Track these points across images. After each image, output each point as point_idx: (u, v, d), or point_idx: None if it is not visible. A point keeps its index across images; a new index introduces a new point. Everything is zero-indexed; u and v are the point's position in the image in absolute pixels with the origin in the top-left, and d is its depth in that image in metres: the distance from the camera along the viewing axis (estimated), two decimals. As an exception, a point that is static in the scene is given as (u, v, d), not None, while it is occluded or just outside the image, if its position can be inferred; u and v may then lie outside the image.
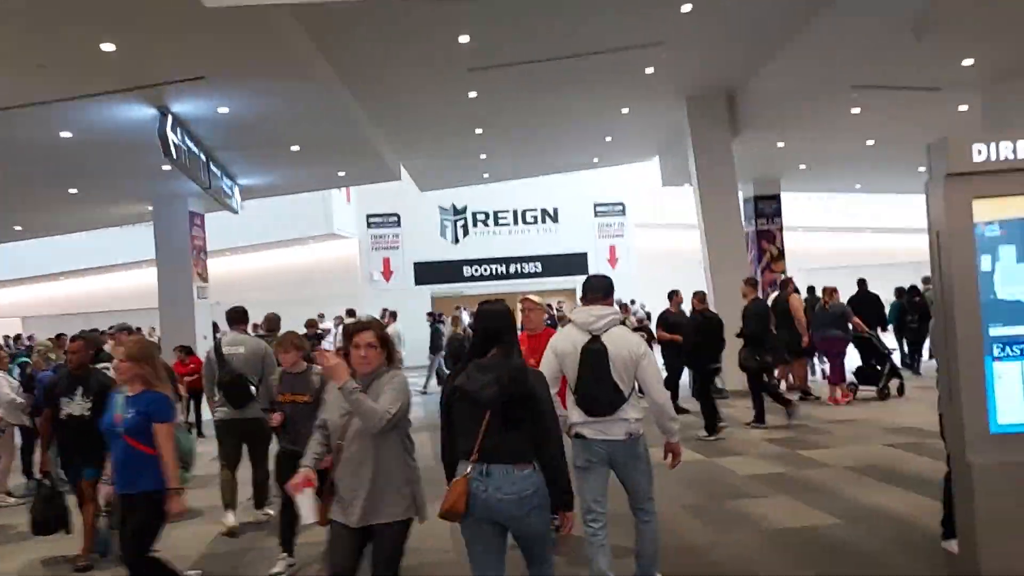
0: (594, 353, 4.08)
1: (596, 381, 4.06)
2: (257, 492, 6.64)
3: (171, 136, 9.13)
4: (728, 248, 13.26)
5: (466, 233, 25.32)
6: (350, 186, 17.28)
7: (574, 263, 25.34)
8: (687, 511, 6.44)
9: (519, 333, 4.13)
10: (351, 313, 14.95)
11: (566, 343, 4.19)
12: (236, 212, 13.27)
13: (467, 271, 25.03)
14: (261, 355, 6.42)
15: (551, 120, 13.55)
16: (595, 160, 18.09)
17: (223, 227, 21.61)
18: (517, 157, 16.60)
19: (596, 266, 25.43)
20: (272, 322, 7.95)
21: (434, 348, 15.49)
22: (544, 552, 3.36)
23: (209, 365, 6.54)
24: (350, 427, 3.43)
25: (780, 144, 14.18)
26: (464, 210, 25.24)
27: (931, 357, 14.64)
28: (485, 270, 25.09)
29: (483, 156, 15.76)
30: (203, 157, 10.60)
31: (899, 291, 15.14)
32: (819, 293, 12.19)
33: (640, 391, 4.23)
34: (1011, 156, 4.07)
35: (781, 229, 17.70)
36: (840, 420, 10.17)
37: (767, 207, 17.55)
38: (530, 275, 24.80)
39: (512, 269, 25.12)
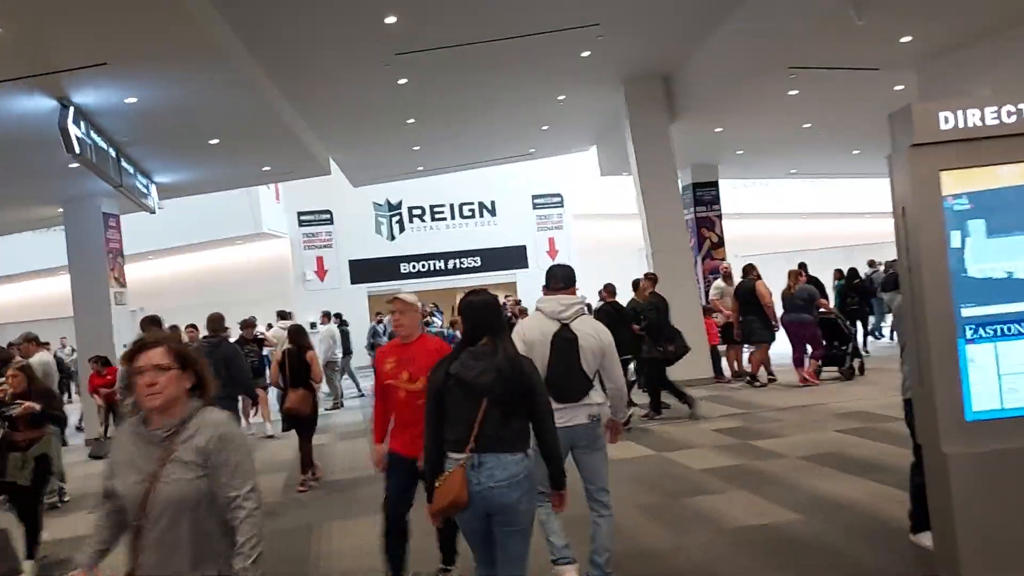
0: (565, 341, 4.15)
1: (567, 369, 4.13)
2: None
3: (73, 129, 8.34)
4: (670, 236, 13.03)
5: (402, 229, 24.72)
6: (278, 182, 16.53)
7: (513, 256, 25.02)
8: (642, 512, 6.10)
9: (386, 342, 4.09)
10: (284, 315, 14.24)
11: (535, 332, 4.21)
12: (153, 212, 12.44)
13: (404, 268, 24.46)
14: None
15: (486, 108, 13.11)
16: (532, 150, 17.72)
17: (143, 229, 20.54)
18: (452, 148, 16.10)
19: (535, 259, 25.17)
20: (216, 322, 7.55)
21: (346, 351, 14.97)
22: (521, 551, 3.29)
23: (124, 376, 6.28)
24: (154, 497, 2.42)
25: (718, 129, 14.03)
26: (399, 205, 24.64)
27: (880, 337, 14.70)
28: (423, 266, 24.56)
29: (416, 147, 15.22)
30: (112, 152, 9.80)
31: (838, 273, 15.21)
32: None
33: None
34: (979, 123, 3.80)
35: (720, 216, 17.64)
36: (789, 407, 10.02)
37: (706, 194, 17.45)
38: (469, 270, 24.38)
39: (451, 264, 24.65)
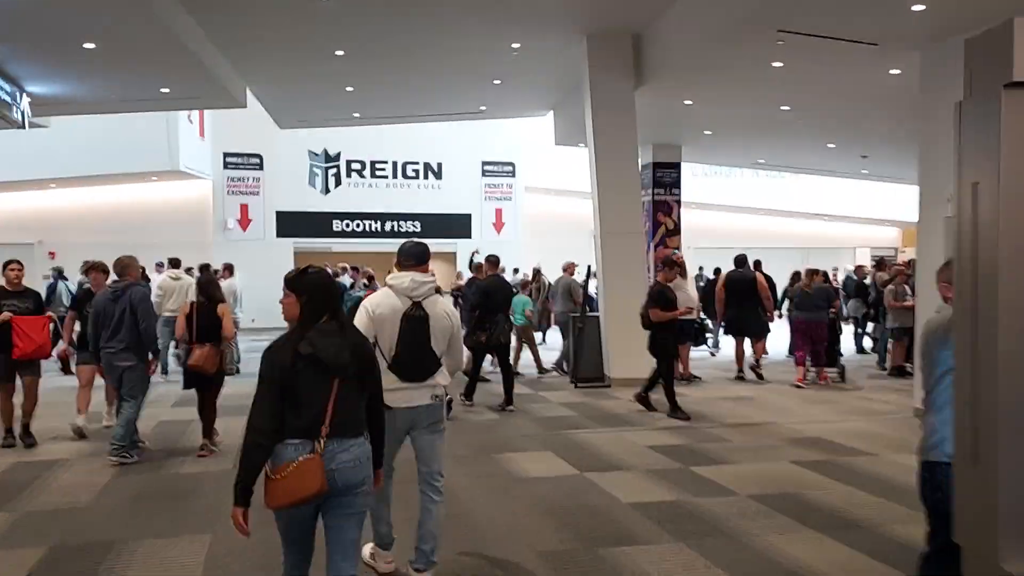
0: (416, 319, 4.09)
1: (417, 348, 4.07)
2: None
3: None
4: (623, 216, 11.57)
5: (338, 183, 22.84)
6: (184, 109, 14.56)
7: (457, 225, 23.40)
8: (545, 562, 4.63)
9: None
10: (175, 264, 12.42)
11: (384, 308, 4.10)
12: (22, 126, 10.49)
13: (337, 225, 22.66)
14: None
15: (428, 47, 11.39)
16: (482, 108, 16.05)
17: (44, 151, 18.45)
18: (391, 94, 14.35)
19: (480, 229, 23.61)
20: (125, 266, 7.17)
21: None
22: (357, 536, 3.17)
23: None
24: None
25: (687, 101, 12.55)
26: (337, 157, 22.74)
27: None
28: (358, 226, 22.77)
29: (349, 88, 13.43)
30: (-53, 41, 7.88)
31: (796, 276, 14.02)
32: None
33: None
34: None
35: (679, 201, 16.27)
36: (738, 423, 8.69)
37: (666, 175, 16.05)
38: (407, 235, 22.58)
39: (388, 227, 22.92)
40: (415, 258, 4.25)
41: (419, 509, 4.23)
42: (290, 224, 22.32)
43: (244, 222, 22.12)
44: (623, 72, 11.42)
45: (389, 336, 4.05)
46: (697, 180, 22.82)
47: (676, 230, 16.20)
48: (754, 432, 8.30)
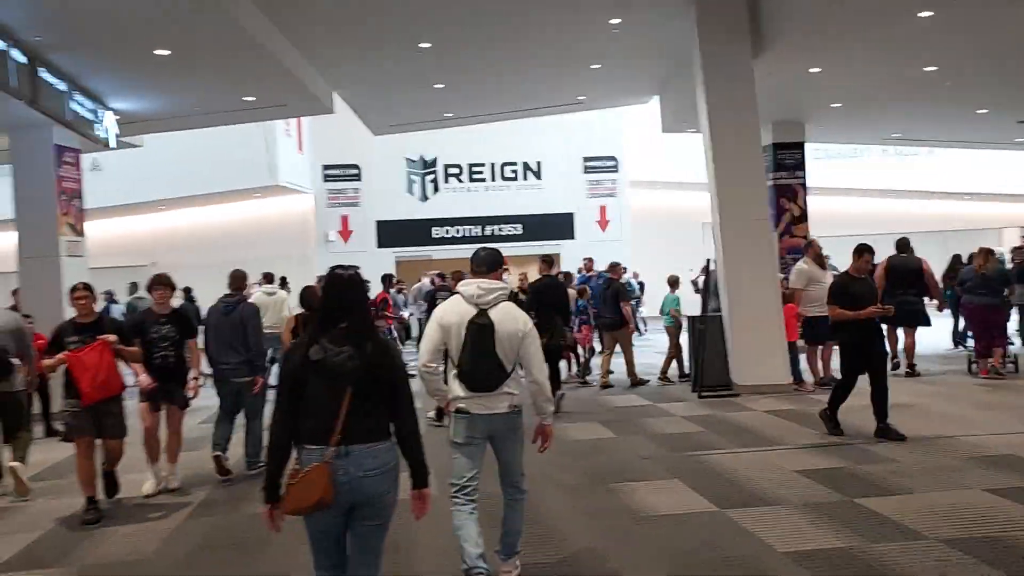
0: (480, 328, 4.00)
1: (481, 356, 4.00)
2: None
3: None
4: (745, 204, 10.26)
5: (436, 189, 22.31)
6: (271, 119, 14.20)
7: (559, 225, 22.44)
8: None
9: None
10: (269, 279, 11.99)
11: (452, 315, 4.07)
12: (108, 146, 10.24)
13: (436, 232, 22.13)
14: (15, 327, 6.97)
15: (519, 33, 10.47)
16: (581, 98, 15.01)
17: (150, 175, 18.73)
18: (482, 89, 13.53)
19: (584, 229, 22.59)
20: (237, 280, 7.18)
21: None
22: (381, 546, 3.11)
23: None
24: None
25: (814, 69, 11.10)
26: (434, 163, 22.21)
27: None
28: (457, 232, 22.17)
29: (439, 85, 12.68)
30: (19, 56, 7.52)
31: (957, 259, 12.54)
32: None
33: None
34: None
35: (804, 185, 14.69)
36: (908, 438, 7.27)
37: (788, 157, 14.52)
38: (509, 238, 21.84)
39: (488, 231, 22.20)
40: (486, 265, 4.18)
41: (504, 506, 4.26)
42: (390, 234, 21.94)
43: (345, 234, 21.90)
44: (739, 40, 10.13)
45: (456, 344, 4.02)
46: (819, 164, 20.97)
47: (803, 217, 14.62)
48: (926, 449, 6.90)
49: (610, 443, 7.83)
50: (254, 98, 10.79)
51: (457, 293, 4.19)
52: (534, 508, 5.33)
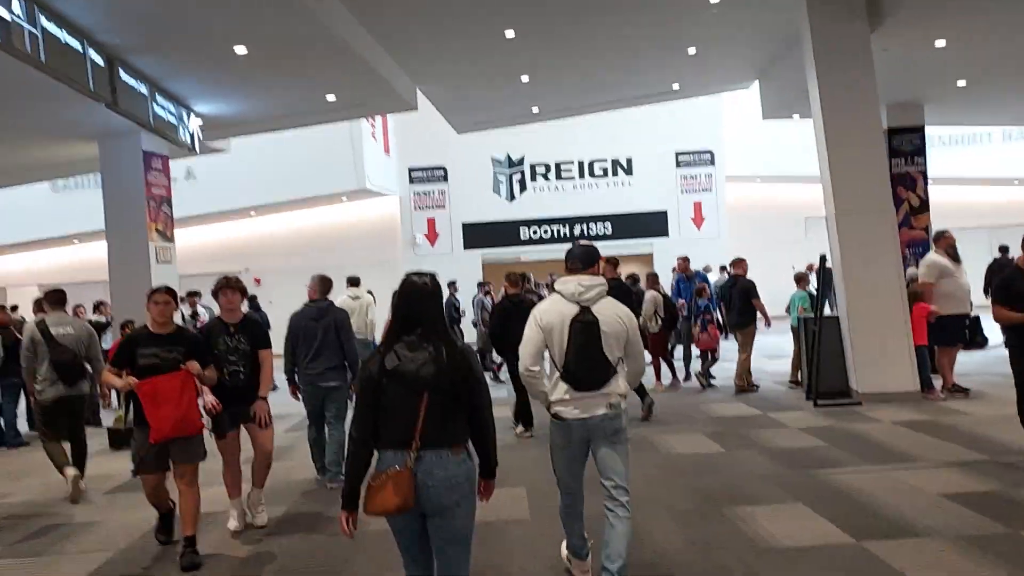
0: (585, 326, 3.87)
1: (588, 355, 3.87)
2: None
3: (12, 18, 5.90)
4: (863, 189, 9.30)
5: (523, 189, 21.80)
6: (353, 117, 13.91)
7: (651, 223, 21.57)
8: None
9: None
10: (354, 283, 11.69)
11: (552, 315, 3.94)
12: (193, 150, 10.14)
13: (524, 233, 21.61)
14: (87, 334, 7.18)
15: (609, 17, 9.80)
16: (675, 87, 14.19)
17: (241, 184, 18.93)
18: (571, 82, 12.91)
19: (678, 227, 21.65)
20: (326, 284, 7.00)
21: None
22: (464, 555, 3.07)
23: (32, 345, 6.86)
24: None
25: (939, 42, 10.00)
26: (521, 161, 21.71)
27: None
28: (546, 232, 21.60)
29: (524, 78, 12.14)
30: (97, 59, 7.37)
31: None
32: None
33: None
34: None
35: (925, 173, 13.43)
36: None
37: (905, 142, 13.29)
38: (599, 237, 21.16)
39: (577, 231, 21.57)
40: (581, 261, 4.04)
41: (604, 526, 3.96)
42: (477, 235, 21.56)
43: (432, 237, 21.64)
44: (853, 11, 9.19)
45: (559, 344, 3.90)
46: (934, 151, 19.41)
47: (923, 207, 13.37)
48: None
49: (719, 459, 7.07)
50: (335, 97, 10.50)
51: (555, 292, 4.03)
52: (638, 538, 4.69)
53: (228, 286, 5.58)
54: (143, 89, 8.47)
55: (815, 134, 9.86)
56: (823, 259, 9.65)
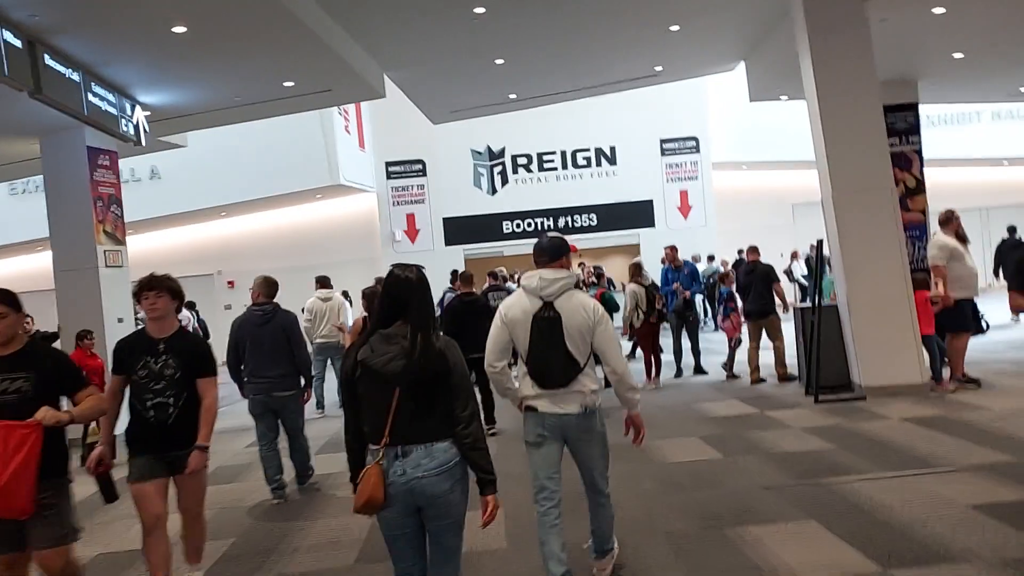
0: (546, 321, 3.80)
1: (549, 351, 3.80)
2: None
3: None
4: (862, 168, 8.68)
5: (505, 181, 21.09)
6: (318, 107, 13.05)
7: (637, 213, 20.93)
8: None
9: None
10: (323, 283, 10.97)
11: (516, 310, 3.87)
12: (139, 143, 9.37)
13: (507, 227, 20.92)
14: None
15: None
16: (657, 68, 13.49)
17: (210, 183, 18.12)
18: (548, 64, 12.19)
19: (664, 216, 21.02)
20: (270, 286, 6.54)
21: None
22: (456, 544, 3.05)
23: None
24: None
25: (938, 10, 9.36)
26: (502, 153, 21.00)
27: None
28: (529, 225, 20.90)
29: (499, 60, 11.41)
30: (14, 40, 6.59)
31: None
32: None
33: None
34: None
35: (920, 152, 12.82)
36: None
37: (899, 121, 12.64)
38: (584, 229, 20.52)
39: (562, 223, 20.87)
40: (547, 254, 3.91)
41: (589, 512, 4.10)
42: (458, 230, 20.84)
43: (412, 233, 20.90)
44: (847, -23, 8.53)
45: (522, 340, 3.84)
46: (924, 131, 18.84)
47: (919, 188, 12.73)
48: None
49: (718, 467, 6.40)
50: (293, 83, 9.74)
51: (521, 286, 3.92)
52: (631, 571, 4.01)
53: (151, 286, 4.16)
54: (74, 76, 7.70)
55: (808, 111, 9.22)
56: (819, 245, 9.00)
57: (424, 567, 3.05)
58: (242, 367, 6.41)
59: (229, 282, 20.87)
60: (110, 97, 8.55)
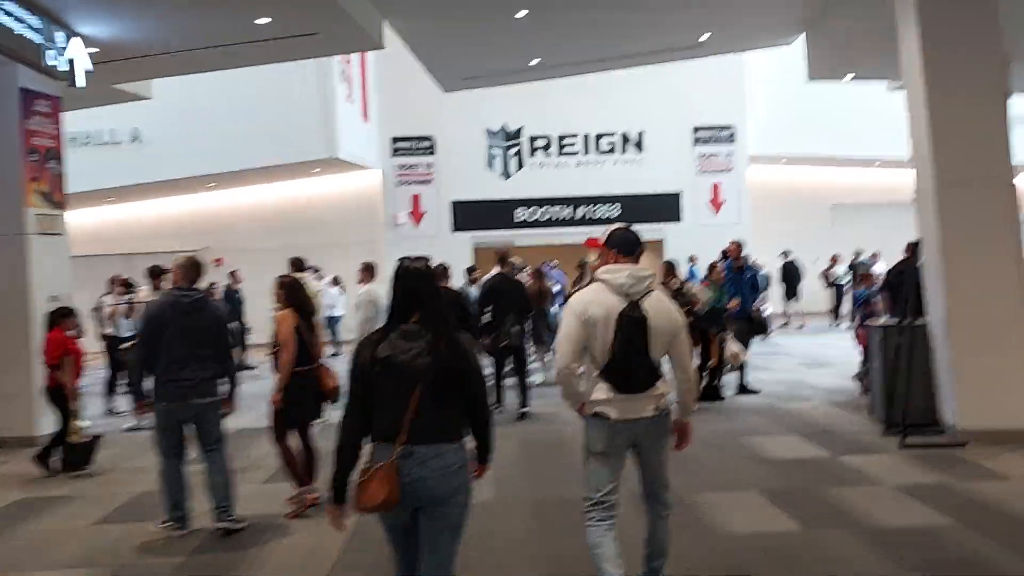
0: (634, 321, 3.57)
1: (634, 354, 3.57)
2: None
3: None
4: (976, 152, 6.90)
5: (520, 165, 19.32)
6: (305, 56, 10.88)
7: (664, 206, 19.14)
8: None
9: None
10: (297, 265, 9.24)
11: (597, 308, 3.59)
12: (71, 82, 7.65)
13: (521, 214, 19.20)
14: None
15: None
16: (704, 38, 11.65)
17: (192, 148, 16.44)
18: (579, 22, 10.40)
19: (693, 211, 19.29)
20: (192, 269, 5.29)
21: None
22: (451, 550, 2.99)
23: None
24: None
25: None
26: (518, 134, 19.23)
27: None
28: (545, 213, 19.20)
29: (522, 13, 9.60)
30: None
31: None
32: None
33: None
34: None
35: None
36: None
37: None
38: (605, 220, 18.54)
39: (581, 213, 19.15)
40: (633, 247, 3.72)
41: (647, 523, 3.79)
42: (468, 215, 19.08)
43: (417, 215, 19.17)
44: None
45: (602, 340, 3.57)
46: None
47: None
48: None
49: (796, 546, 4.65)
50: (269, 20, 7.95)
51: (600, 281, 3.64)
52: None
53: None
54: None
55: (908, 94, 7.42)
56: (914, 247, 7.19)
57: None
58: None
59: (216, 260, 19.17)
60: (31, 20, 6.82)
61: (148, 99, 10.46)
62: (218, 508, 5.15)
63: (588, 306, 3.60)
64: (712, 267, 9.76)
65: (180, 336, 5.06)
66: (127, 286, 10.23)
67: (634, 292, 3.57)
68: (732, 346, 9.01)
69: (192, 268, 5.22)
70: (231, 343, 5.74)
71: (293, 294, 5.61)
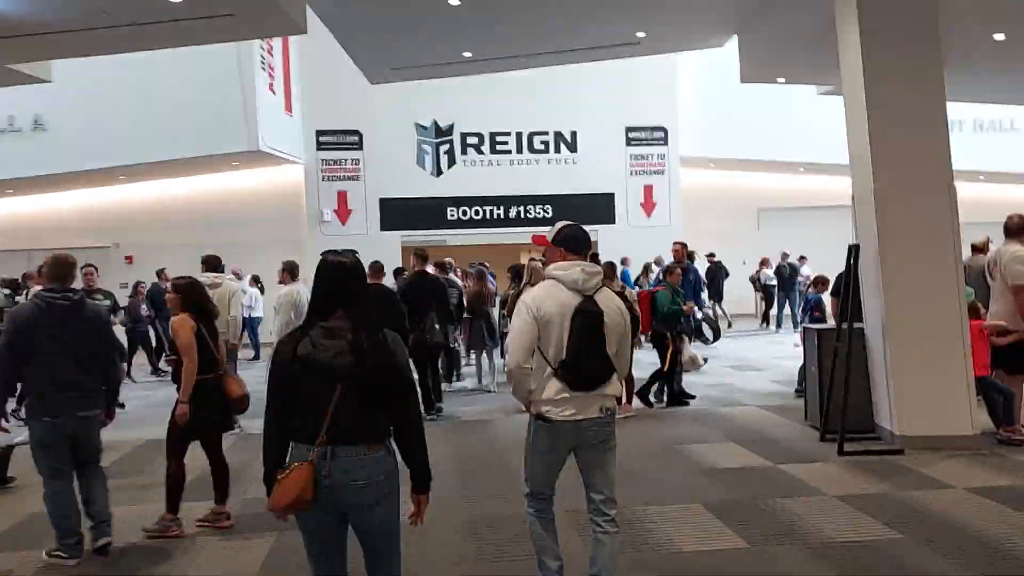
0: (590, 316, 3.54)
1: (590, 350, 3.53)
2: None
3: None
4: (915, 159, 6.84)
5: (452, 162, 18.88)
6: (219, 39, 9.99)
7: (597, 207, 18.96)
8: None
9: None
10: (211, 264, 8.60)
11: (551, 305, 3.55)
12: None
13: (452, 213, 18.75)
14: None
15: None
16: (639, 35, 11.47)
17: (101, 138, 15.44)
18: (514, 15, 10.07)
19: (626, 212, 19.22)
20: (63, 266, 4.76)
21: None
22: (392, 547, 2.97)
23: None
24: None
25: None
26: (450, 130, 18.79)
27: None
28: (477, 213, 18.81)
29: (455, 1, 9.20)
30: None
31: None
32: None
33: None
34: None
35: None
36: None
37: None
38: (537, 221, 18.41)
39: (513, 213, 18.87)
40: (583, 244, 3.70)
41: (591, 543, 3.64)
42: (397, 214, 18.54)
43: (343, 213, 18.51)
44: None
45: (557, 338, 3.51)
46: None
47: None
48: None
49: (746, 563, 4.38)
50: (179, -3, 7.33)
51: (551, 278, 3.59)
52: None
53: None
54: None
55: (846, 96, 7.36)
56: (855, 251, 7.08)
57: (345, 570, 2.95)
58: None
59: (127, 257, 18.15)
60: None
61: (49, 82, 9.65)
62: (100, 523, 4.68)
63: (542, 303, 3.54)
64: (669, 270, 9.57)
65: (58, 343, 4.55)
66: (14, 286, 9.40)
67: (587, 288, 3.55)
68: (689, 350, 8.87)
69: (62, 267, 4.72)
70: (116, 345, 5.28)
71: (188, 297, 5.10)
